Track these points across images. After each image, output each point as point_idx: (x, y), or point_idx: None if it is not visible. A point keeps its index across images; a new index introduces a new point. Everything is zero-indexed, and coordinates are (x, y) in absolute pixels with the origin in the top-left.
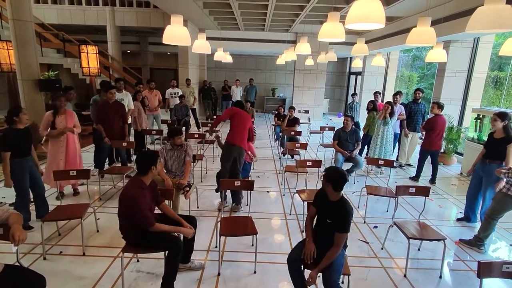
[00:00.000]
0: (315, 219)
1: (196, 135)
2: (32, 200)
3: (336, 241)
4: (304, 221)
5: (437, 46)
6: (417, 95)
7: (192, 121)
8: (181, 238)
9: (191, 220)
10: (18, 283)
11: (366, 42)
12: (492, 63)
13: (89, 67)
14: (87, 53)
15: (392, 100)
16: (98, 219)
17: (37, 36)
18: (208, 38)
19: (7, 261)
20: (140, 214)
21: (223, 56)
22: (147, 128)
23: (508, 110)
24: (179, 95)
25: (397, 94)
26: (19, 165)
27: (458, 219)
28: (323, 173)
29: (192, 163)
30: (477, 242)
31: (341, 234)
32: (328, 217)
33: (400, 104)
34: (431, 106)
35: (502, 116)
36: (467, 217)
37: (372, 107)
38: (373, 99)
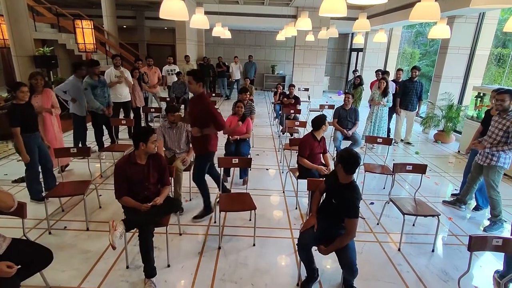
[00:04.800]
0: (323, 198)
1: None
2: None
3: (347, 228)
4: (301, 198)
5: (440, 22)
6: (414, 73)
7: None
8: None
9: (172, 202)
10: (26, 256)
11: (369, 17)
12: (496, 39)
13: (84, 43)
14: (82, 28)
15: (396, 77)
16: (100, 195)
17: (29, 10)
18: (206, 13)
19: (14, 235)
20: (115, 183)
21: (221, 31)
22: (142, 106)
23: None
24: (175, 72)
25: (399, 70)
26: (29, 139)
27: (453, 195)
28: (336, 155)
29: None
30: (457, 203)
31: (351, 220)
32: (334, 198)
33: (392, 81)
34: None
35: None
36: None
37: (359, 82)
38: (375, 78)
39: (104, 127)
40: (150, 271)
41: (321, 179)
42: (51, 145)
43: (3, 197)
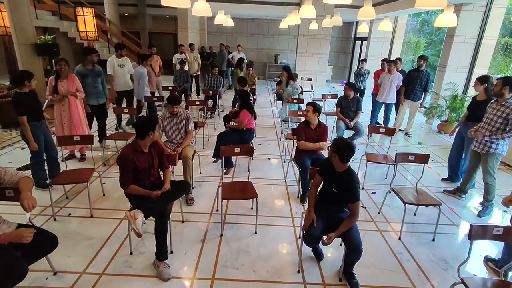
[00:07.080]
0: (321, 187)
1: (197, 102)
2: None
3: (352, 211)
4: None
5: (447, 10)
6: (419, 62)
7: (193, 87)
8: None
9: (182, 184)
10: (32, 241)
11: (374, 5)
12: (504, 28)
13: (86, 31)
14: (84, 15)
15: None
16: (104, 183)
17: None
18: (208, 0)
19: (19, 221)
20: (121, 173)
21: (224, 19)
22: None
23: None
24: (179, 61)
25: (397, 59)
26: (35, 128)
27: (443, 179)
28: (331, 144)
29: (193, 131)
30: (457, 192)
31: (355, 204)
32: (334, 187)
33: (398, 71)
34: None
35: (481, 79)
36: (451, 177)
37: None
38: (380, 67)
39: (96, 120)
40: (164, 254)
41: (316, 168)
42: (77, 128)
43: (29, 184)
